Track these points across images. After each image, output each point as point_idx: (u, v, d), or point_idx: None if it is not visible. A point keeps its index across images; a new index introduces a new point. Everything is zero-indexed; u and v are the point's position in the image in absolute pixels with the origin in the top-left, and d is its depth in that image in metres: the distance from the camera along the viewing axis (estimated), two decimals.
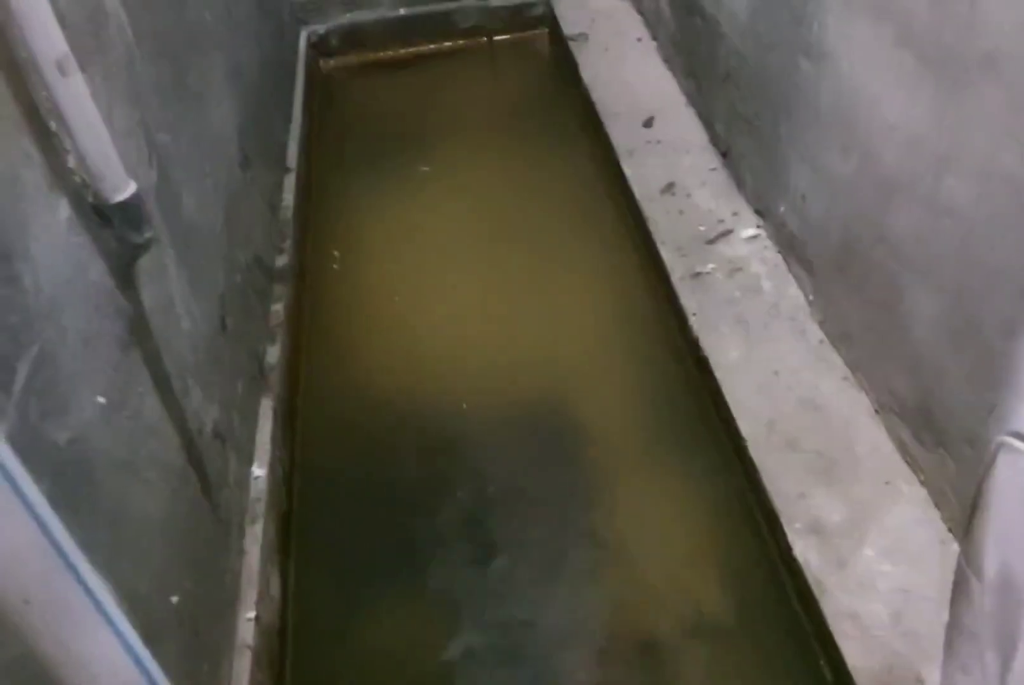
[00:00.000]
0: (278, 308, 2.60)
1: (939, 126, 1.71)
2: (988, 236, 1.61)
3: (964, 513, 1.52)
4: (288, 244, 2.85)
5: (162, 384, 1.61)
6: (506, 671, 1.95)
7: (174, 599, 1.49)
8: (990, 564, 1.17)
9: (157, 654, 0.90)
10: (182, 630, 1.54)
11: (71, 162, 1.36)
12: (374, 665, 1.98)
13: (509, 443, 2.42)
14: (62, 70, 1.27)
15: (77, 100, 1.30)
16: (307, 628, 2.04)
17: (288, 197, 3.06)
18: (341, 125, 3.85)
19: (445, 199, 3.29)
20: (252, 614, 1.84)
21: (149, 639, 0.90)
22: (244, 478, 2.07)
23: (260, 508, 2.05)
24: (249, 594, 1.88)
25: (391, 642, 2.01)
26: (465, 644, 1.99)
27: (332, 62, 4.32)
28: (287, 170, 3.20)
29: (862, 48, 1.97)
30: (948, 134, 1.69)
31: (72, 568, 0.72)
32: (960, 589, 1.27)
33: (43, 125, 1.30)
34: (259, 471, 2.13)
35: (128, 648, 0.78)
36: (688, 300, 2.57)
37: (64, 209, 1.33)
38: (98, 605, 0.74)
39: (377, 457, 2.42)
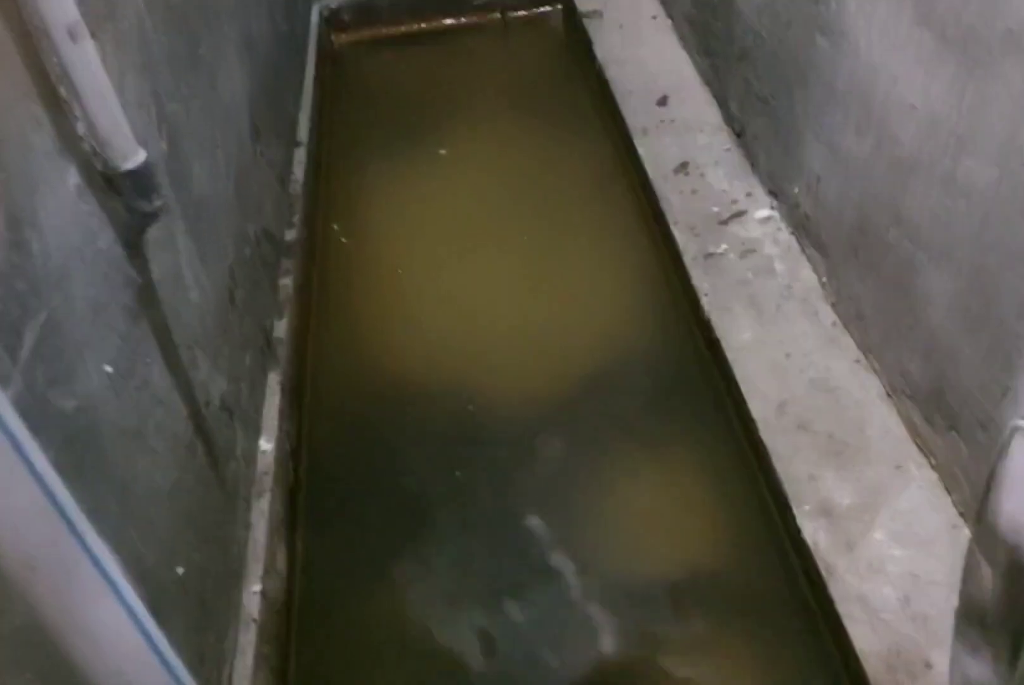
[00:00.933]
0: (287, 282, 2.59)
1: (958, 106, 1.68)
2: (1006, 217, 1.59)
3: (976, 497, 1.51)
4: (297, 218, 2.83)
5: (170, 355, 1.60)
6: (515, 648, 1.95)
7: (180, 570, 1.49)
8: (1002, 548, 1.16)
9: (162, 624, 0.90)
10: (188, 602, 1.54)
11: (81, 129, 1.34)
12: (380, 640, 1.98)
13: (518, 419, 2.41)
14: (73, 36, 1.25)
15: (87, 66, 1.29)
16: (313, 602, 2.05)
17: (298, 171, 3.04)
18: (352, 100, 3.82)
19: (456, 176, 3.27)
20: (258, 588, 1.84)
21: (155, 609, 0.89)
22: (251, 451, 2.07)
23: (267, 482, 2.04)
24: (255, 568, 1.88)
25: (397, 617, 2.01)
26: (472, 619, 1.99)
27: (344, 37, 4.29)
28: (297, 144, 3.18)
29: (881, 26, 1.93)
30: (967, 114, 1.66)
31: (78, 535, 0.71)
32: (970, 573, 1.26)
33: (53, 91, 1.29)
34: (266, 445, 2.13)
35: (133, 617, 0.78)
36: (700, 281, 2.55)
37: (73, 176, 1.31)
38: (104, 573, 0.74)
39: (384, 433, 2.42)
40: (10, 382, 1.05)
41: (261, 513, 1.99)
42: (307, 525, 2.20)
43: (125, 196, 1.42)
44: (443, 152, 3.37)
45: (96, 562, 0.73)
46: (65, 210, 1.28)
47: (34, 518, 0.69)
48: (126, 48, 1.62)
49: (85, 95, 1.29)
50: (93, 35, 1.28)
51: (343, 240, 3.07)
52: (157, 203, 1.45)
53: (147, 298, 1.54)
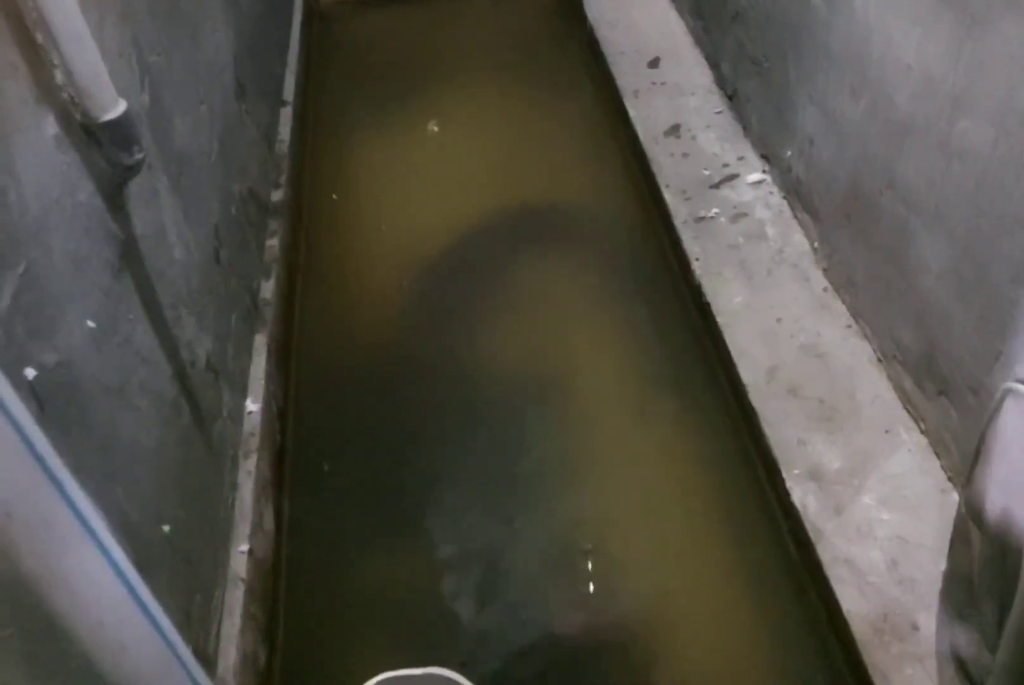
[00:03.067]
0: (273, 243, 2.56)
1: (955, 66, 1.65)
2: (1002, 180, 1.57)
3: (965, 462, 1.50)
4: (284, 179, 2.79)
5: (154, 312, 1.58)
6: (499, 602, 1.95)
7: (166, 528, 1.47)
8: (991, 511, 1.15)
9: (148, 582, 0.88)
10: (174, 560, 1.53)
11: (59, 78, 1.31)
12: (367, 600, 1.98)
13: (504, 389, 2.39)
14: None
15: (64, 11, 1.25)
16: (301, 562, 2.04)
17: (284, 131, 3.00)
18: (339, 61, 3.76)
19: (444, 138, 3.23)
20: (245, 547, 1.83)
21: (140, 567, 0.87)
22: (238, 412, 2.05)
23: (254, 442, 2.03)
24: (242, 527, 1.86)
25: (384, 578, 2.01)
26: (457, 579, 1.99)
27: None
28: (284, 103, 3.13)
29: None
30: (964, 74, 1.63)
31: (56, 482, 0.69)
32: (959, 536, 1.26)
33: (29, 36, 1.25)
34: (253, 406, 2.11)
35: (115, 567, 0.76)
36: (691, 245, 2.53)
37: (51, 126, 1.28)
38: (83, 522, 0.72)
39: (371, 395, 2.40)
40: None
41: (248, 473, 1.97)
42: (294, 486, 2.19)
43: (105, 148, 1.38)
44: (434, 127, 3.32)
45: (75, 511, 0.71)
46: (43, 160, 1.25)
47: (9, 464, 0.66)
48: None
49: (63, 41, 1.25)
50: None
51: (334, 196, 3.03)
52: (138, 156, 1.42)
53: (130, 254, 1.51)
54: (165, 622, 0.84)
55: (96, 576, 0.75)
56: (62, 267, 1.25)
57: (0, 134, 1.13)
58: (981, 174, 1.62)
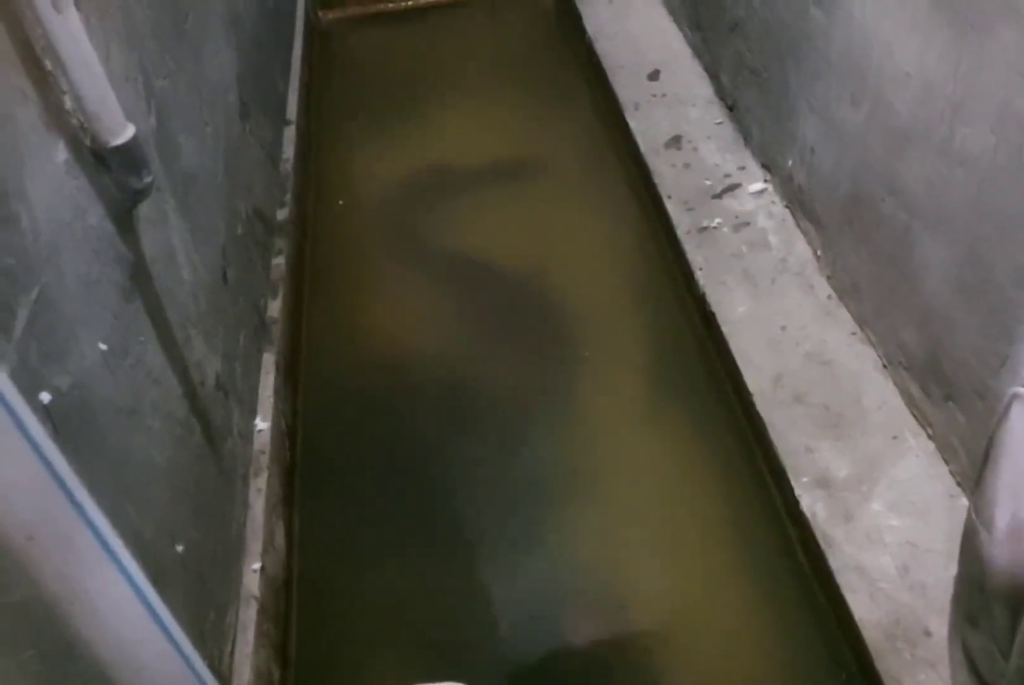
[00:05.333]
0: (279, 262, 2.57)
1: (954, 72, 1.67)
2: (1003, 184, 1.58)
3: (973, 466, 1.50)
4: (288, 197, 2.81)
5: (164, 333, 1.59)
6: (519, 622, 1.95)
7: (179, 548, 1.48)
8: (1001, 516, 1.15)
9: (163, 600, 0.89)
10: (188, 579, 1.54)
11: (68, 103, 1.32)
12: (379, 616, 1.98)
13: (512, 403, 2.40)
14: (56, 6, 1.23)
15: (72, 38, 1.26)
16: (313, 579, 2.04)
17: (288, 150, 3.02)
18: (341, 78, 3.78)
19: (446, 152, 3.24)
20: (257, 565, 1.84)
21: (155, 585, 0.88)
22: (248, 430, 2.06)
23: (264, 460, 2.04)
24: (254, 545, 1.87)
25: (395, 594, 2.01)
26: (470, 594, 1.99)
27: (331, 14, 4.24)
28: (287, 122, 3.15)
29: None
30: (963, 80, 1.65)
31: (76, 504, 0.70)
32: (969, 541, 1.26)
33: (38, 63, 1.27)
34: (262, 424, 2.12)
35: (134, 586, 0.77)
36: (694, 255, 2.54)
37: (61, 151, 1.29)
38: (103, 542, 0.73)
39: (379, 411, 2.41)
40: (5, 359, 1.04)
41: (259, 491, 1.98)
42: (305, 503, 2.19)
43: (114, 172, 1.40)
44: (439, 141, 3.34)
45: (95, 532, 0.72)
46: (54, 185, 1.26)
47: (31, 487, 0.68)
48: (110, 20, 1.60)
49: (71, 67, 1.27)
50: (77, 5, 1.26)
51: (340, 202, 3.06)
52: (147, 179, 1.43)
53: (139, 275, 1.52)
54: (183, 640, 0.85)
55: (116, 596, 0.76)
56: (74, 290, 1.26)
57: (12, 160, 1.15)
58: (982, 178, 1.63)
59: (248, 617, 1.76)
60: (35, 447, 0.70)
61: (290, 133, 3.11)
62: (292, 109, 3.23)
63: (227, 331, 2.03)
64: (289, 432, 2.28)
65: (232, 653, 1.69)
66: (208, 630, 1.59)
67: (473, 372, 2.47)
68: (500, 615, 1.96)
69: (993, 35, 1.53)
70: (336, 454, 2.32)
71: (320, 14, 4.20)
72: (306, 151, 3.23)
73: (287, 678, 1.86)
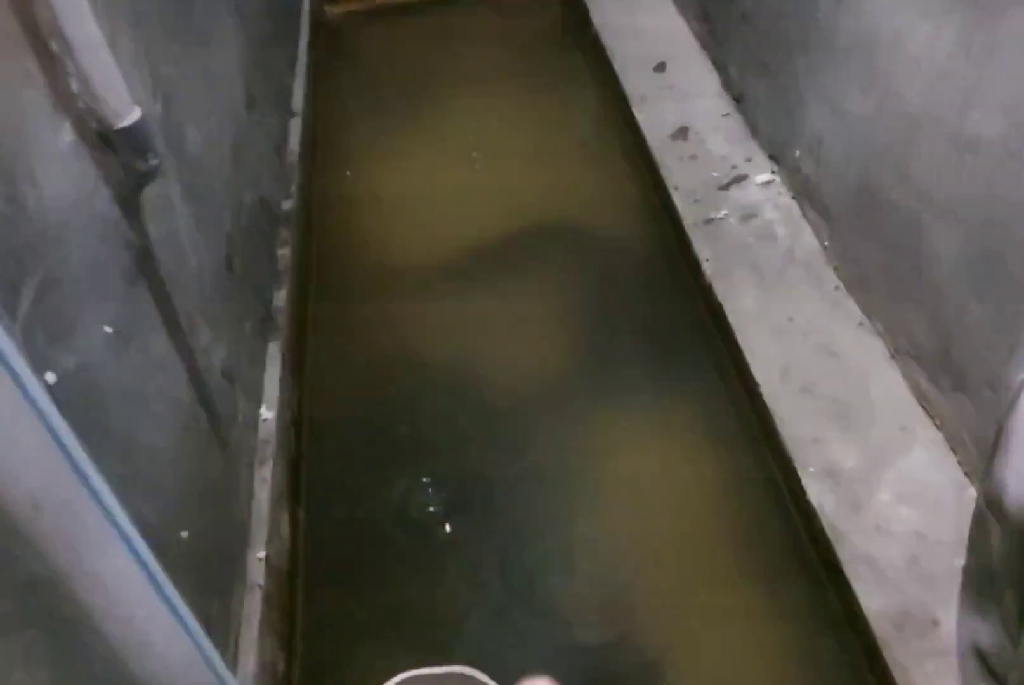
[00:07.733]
0: (284, 252, 2.57)
1: (965, 58, 1.66)
2: (1015, 171, 1.57)
3: (981, 457, 1.49)
4: (294, 189, 2.80)
5: (170, 319, 1.58)
6: (517, 607, 1.94)
7: (184, 534, 1.47)
8: (1010, 505, 1.14)
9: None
10: (193, 566, 1.53)
11: (74, 86, 1.32)
12: (384, 606, 1.97)
13: (516, 394, 2.39)
14: None
15: (79, 19, 1.26)
16: (317, 569, 2.03)
17: (294, 141, 3.01)
18: (346, 71, 3.78)
19: (454, 147, 3.23)
20: (262, 554, 1.83)
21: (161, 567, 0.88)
22: (253, 419, 2.05)
23: (269, 449, 2.03)
24: (259, 534, 1.87)
25: (402, 584, 2.00)
26: (477, 586, 1.98)
27: (336, 9, 4.24)
28: (293, 114, 3.14)
29: None
30: (975, 66, 1.63)
31: (82, 475, 0.69)
32: (978, 531, 1.25)
33: (45, 45, 1.26)
34: (267, 413, 2.11)
35: (141, 562, 0.76)
36: (701, 246, 2.53)
37: (67, 133, 1.29)
38: (110, 516, 0.72)
39: (384, 403, 2.40)
40: (11, 339, 1.03)
41: (264, 480, 1.97)
42: (310, 494, 2.19)
43: (120, 154, 1.39)
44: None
45: (101, 505, 0.71)
46: (60, 167, 1.26)
47: (38, 457, 0.67)
48: (117, 4, 1.59)
49: (77, 49, 1.26)
50: None
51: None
52: (153, 161, 1.42)
53: (145, 261, 1.51)
54: (191, 619, 0.85)
55: (125, 570, 0.75)
56: (79, 273, 1.26)
57: (19, 142, 1.14)
58: (994, 165, 1.62)
59: (253, 606, 1.75)
60: (40, 412, 0.69)
61: (296, 125, 3.10)
62: (298, 101, 3.23)
63: (232, 320, 2.03)
64: (294, 422, 2.27)
65: (237, 642, 1.69)
66: (213, 618, 1.58)
67: (481, 364, 2.46)
68: (507, 606, 1.95)
69: (1006, 20, 1.52)
70: (340, 444, 2.31)
71: (326, 8, 4.20)
72: (312, 143, 3.22)
73: (292, 667, 1.86)
